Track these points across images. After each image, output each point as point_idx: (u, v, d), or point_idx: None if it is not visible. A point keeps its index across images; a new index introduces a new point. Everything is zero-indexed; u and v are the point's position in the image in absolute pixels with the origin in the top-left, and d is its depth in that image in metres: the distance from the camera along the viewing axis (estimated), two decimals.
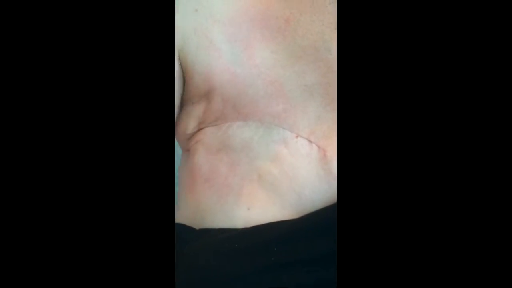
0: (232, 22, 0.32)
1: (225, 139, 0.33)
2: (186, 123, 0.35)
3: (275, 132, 0.32)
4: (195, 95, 0.34)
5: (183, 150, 0.38)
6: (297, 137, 0.32)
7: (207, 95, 0.33)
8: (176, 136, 0.37)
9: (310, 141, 0.32)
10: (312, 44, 0.31)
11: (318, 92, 0.32)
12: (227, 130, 0.33)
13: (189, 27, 0.33)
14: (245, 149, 0.33)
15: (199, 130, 0.35)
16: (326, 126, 0.32)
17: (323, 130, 0.32)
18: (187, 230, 0.34)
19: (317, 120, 0.32)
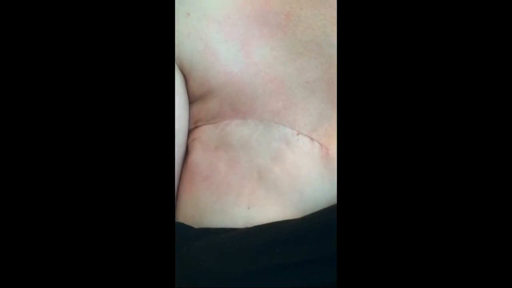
0: (227, 20, 0.31)
1: (223, 137, 0.33)
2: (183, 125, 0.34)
3: (276, 130, 0.31)
4: (196, 95, 0.33)
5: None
6: (298, 134, 0.31)
7: (203, 97, 0.33)
8: None
9: (311, 139, 0.31)
10: (314, 39, 0.31)
11: (320, 88, 0.31)
12: (225, 127, 0.33)
13: (182, 32, 0.32)
14: (244, 147, 0.32)
15: (196, 128, 0.34)
16: (328, 123, 0.31)
17: (325, 128, 0.31)
18: (186, 229, 0.33)
19: (319, 117, 0.31)
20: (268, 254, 0.29)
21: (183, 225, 0.33)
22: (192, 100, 0.34)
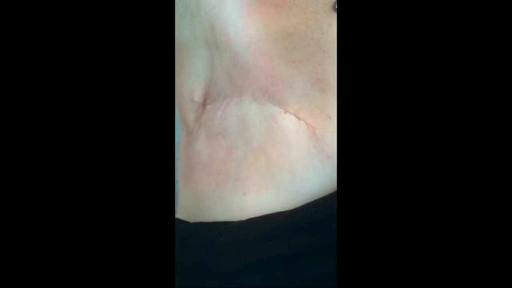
0: None
1: (223, 121, 0.33)
2: (194, 86, 0.35)
3: (266, 108, 0.32)
4: (202, 37, 0.34)
5: (182, 123, 0.37)
6: (285, 112, 0.32)
7: (211, 50, 0.33)
8: (178, 99, 0.37)
9: (298, 118, 0.32)
10: (304, 22, 0.31)
11: (306, 69, 0.32)
12: (225, 109, 0.33)
13: None
14: (240, 130, 0.33)
15: (204, 107, 0.35)
16: (314, 104, 0.32)
17: (311, 108, 0.32)
18: (181, 224, 0.34)
19: (305, 97, 0.32)
20: (261, 247, 0.29)
21: (178, 220, 0.34)
22: (204, 48, 0.34)
